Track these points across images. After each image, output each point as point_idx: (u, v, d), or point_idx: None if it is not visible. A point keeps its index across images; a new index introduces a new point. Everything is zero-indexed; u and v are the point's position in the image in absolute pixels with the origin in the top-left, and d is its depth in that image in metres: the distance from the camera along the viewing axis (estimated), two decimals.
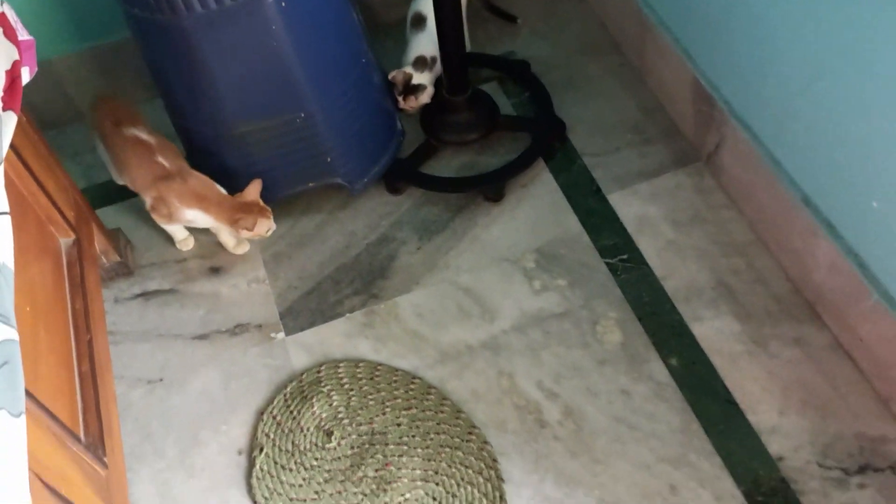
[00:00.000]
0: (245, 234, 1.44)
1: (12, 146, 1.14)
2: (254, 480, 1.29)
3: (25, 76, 1.12)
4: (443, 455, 1.29)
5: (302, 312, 1.48)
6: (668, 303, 1.41)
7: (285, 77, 1.38)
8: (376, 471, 1.28)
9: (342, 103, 1.47)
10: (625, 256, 1.48)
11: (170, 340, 1.48)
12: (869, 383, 1.28)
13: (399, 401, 1.35)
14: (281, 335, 1.46)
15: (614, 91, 1.72)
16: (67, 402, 1.04)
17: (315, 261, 1.55)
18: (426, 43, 1.65)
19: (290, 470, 1.30)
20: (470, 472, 1.27)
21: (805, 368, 1.31)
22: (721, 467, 1.24)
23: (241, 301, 1.52)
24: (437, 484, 1.27)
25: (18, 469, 0.71)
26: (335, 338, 1.44)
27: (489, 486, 1.25)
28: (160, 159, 1.44)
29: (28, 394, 0.92)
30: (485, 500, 1.24)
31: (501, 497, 1.24)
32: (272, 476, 1.30)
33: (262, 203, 1.44)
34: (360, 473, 1.28)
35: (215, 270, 1.56)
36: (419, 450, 1.30)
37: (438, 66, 1.65)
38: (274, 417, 1.35)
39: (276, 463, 1.31)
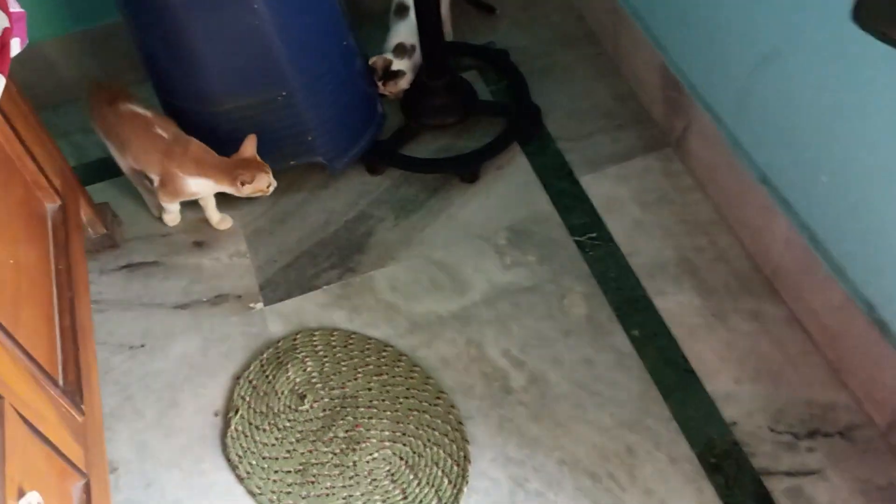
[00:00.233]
0: (247, 190, 1.46)
1: (1, 111, 1.20)
2: (228, 440, 1.34)
3: (16, 47, 1.17)
4: (411, 418, 1.34)
5: (280, 284, 1.54)
6: (633, 278, 1.47)
7: (267, 55, 1.43)
8: (346, 432, 1.33)
9: (322, 84, 1.53)
10: (593, 234, 1.53)
11: (152, 309, 1.53)
12: (821, 353, 1.33)
13: (371, 367, 1.40)
14: (260, 305, 1.51)
15: (589, 79, 1.78)
16: (47, 349, 1.09)
17: (295, 236, 1.60)
18: (407, 31, 1.72)
19: (264, 430, 1.35)
20: (436, 433, 1.32)
21: (761, 340, 1.36)
22: (677, 431, 1.29)
23: (222, 273, 1.57)
24: (404, 444, 1.31)
25: None
26: (312, 308, 1.50)
27: (454, 447, 1.30)
28: (159, 130, 1.49)
29: (9, 335, 0.97)
30: (449, 460, 1.29)
31: (466, 457, 1.29)
32: (246, 436, 1.34)
33: (259, 159, 1.48)
34: (330, 434, 1.33)
35: (199, 244, 1.62)
36: (388, 413, 1.35)
37: (418, 55, 1.71)
38: (250, 381, 1.40)
39: (250, 424, 1.36)
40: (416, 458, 1.30)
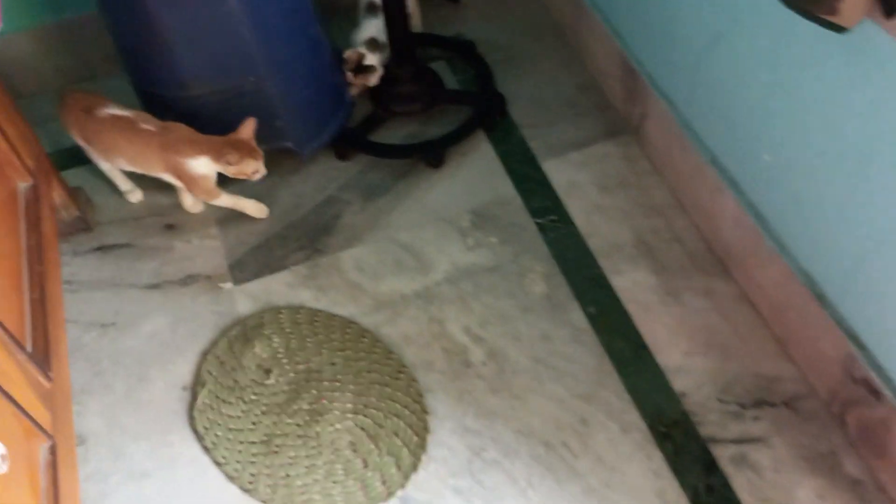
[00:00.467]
0: (231, 171, 1.48)
1: None
2: (195, 413, 1.38)
3: None
4: (373, 391, 1.38)
5: (249, 265, 1.58)
6: (591, 258, 1.51)
7: (237, 40, 1.47)
8: (310, 404, 1.37)
9: (291, 70, 1.57)
10: (554, 217, 1.58)
11: (124, 289, 1.57)
12: (768, 328, 1.38)
13: (335, 343, 1.44)
14: (229, 285, 1.55)
15: (553, 69, 1.84)
16: (16, 317, 1.13)
17: (265, 219, 1.64)
18: (379, 28, 1.76)
19: (230, 403, 1.39)
20: (397, 405, 1.36)
21: (712, 316, 1.41)
22: (629, 402, 1.34)
23: (192, 254, 1.61)
24: (365, 416, 1.36)
25: None
26: (280, 288, 1.54)
27: (414, 418, 1.34)
28: (144, 126, 1.50)
29: None
30: (409, 430, 1.33)
31: (425, 428, 1.33)
32: (213, 409, 1.38)
33: (253, 144, 1.49)
34: (295, 406, 1.37)
35: (170, 227, 1.65)
36: (351, 386, 1.39)
37: (388, 52, 1.75)
38: (217, 357, 1.44)
39: (217, 397, 1.40)
40: (378, 429, 1.34)
